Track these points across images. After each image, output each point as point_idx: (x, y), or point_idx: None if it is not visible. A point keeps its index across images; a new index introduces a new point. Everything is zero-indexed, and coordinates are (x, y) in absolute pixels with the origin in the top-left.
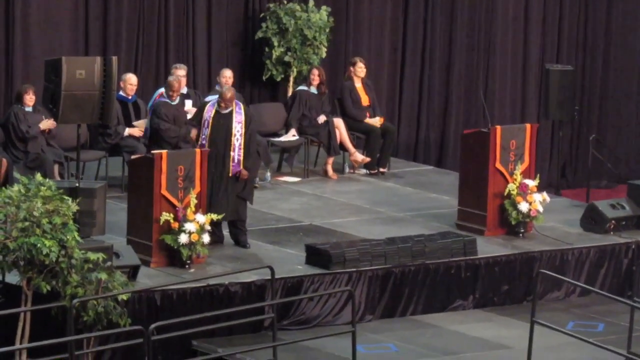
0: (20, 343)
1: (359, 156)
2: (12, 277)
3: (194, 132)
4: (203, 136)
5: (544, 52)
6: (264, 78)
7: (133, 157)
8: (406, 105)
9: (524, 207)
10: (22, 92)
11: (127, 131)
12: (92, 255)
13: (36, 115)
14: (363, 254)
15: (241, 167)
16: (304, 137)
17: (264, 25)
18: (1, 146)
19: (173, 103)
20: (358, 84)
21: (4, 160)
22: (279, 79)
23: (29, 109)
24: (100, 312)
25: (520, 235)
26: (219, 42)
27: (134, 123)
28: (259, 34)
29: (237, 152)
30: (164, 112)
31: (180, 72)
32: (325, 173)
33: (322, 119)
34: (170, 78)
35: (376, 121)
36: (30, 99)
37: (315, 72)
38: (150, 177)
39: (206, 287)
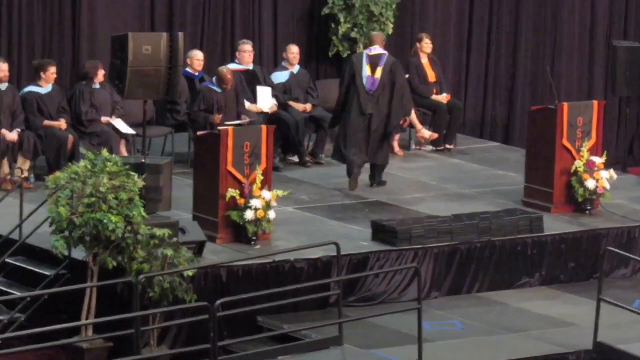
0: (87, 319)
1: (426, 132)
2: (79, 253)
3: (217, 118)
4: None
5: (611, 29)
6: (330, 54)
7: (199, 133)
8: (473, 82)
9: (591, 184)
10: (90, 70)
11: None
12: (158, 231)
13: (103, 93)
14: (429, 231)
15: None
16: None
17: (330, 1)
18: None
19: (216, 89)
20: (425, 60)
21: (71, 137)
22: (345, 55)
23: (96, 86)
24: (166, 288)
25: (587, 212)
26: (285, 18)
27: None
28: (326, 10)
29: None
30: (200, 98)
31: (246, 47)
32: (392, 149)
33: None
34: (222, 69)
35: (443, 98)
36: (100, 76)
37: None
38: (217, 153)
39: (272, 264)
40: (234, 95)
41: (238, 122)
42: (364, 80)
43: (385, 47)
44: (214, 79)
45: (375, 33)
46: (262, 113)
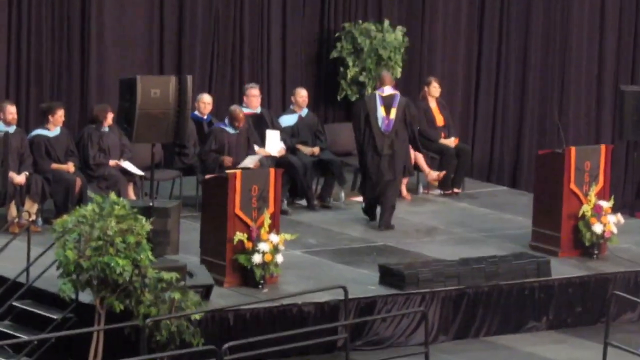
0: None
1: (434, 173)
2: (86, 296)
3: (227, 160)
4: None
5: (618, 73)
6: (338, 98)
7: (207, 176)
8: (480, 126)
9: (598, 228)
10: (98, 113)
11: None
12: (166, 275)
13: (112, 136)
14: (436, 275)
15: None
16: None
17: (338, 44)
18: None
19: (229, 131)
20: (433, 104)
21: (78, 179)
22: (353, 99)
23: (105, 129)
24: (174, 331)
25: (595, 256)
26: (294, 61)
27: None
28: (334, 54)
29: None
30: (212, 138)
31: (253, 92)
32: (400, 193)
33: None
34: (234, 107)
35: (451, 141)
36: (109, 119)
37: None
38: (224, 196)
39: (279, 307)
40: (245, 136)
41: (248, 164)
42: (379, 121)
43: (395, 88)
44: (226, 120)
45: (384, 73)
46: (270, 156)
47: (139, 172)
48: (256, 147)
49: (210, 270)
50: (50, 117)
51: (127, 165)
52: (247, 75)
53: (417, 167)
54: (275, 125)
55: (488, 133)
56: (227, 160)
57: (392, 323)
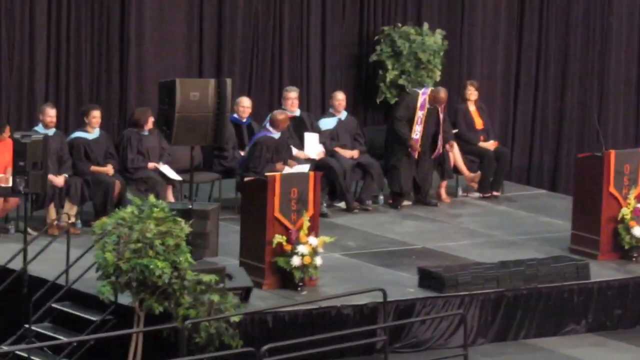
0: None
1: (472, 178)
2: (125, 298)
3: (280, 167)
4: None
5: None
6: (377, 101)
7: (246, 179)
8: (520, 129)
9: (637, 231)
10: (139, 117)
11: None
12: (205, 277)
13: (152, 139)
14: (475, 278)
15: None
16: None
17: (378, 48)
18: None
19: (274, 136)
20: (472, 107)
21: (118, 182)
22: (392, 102)
23: (145, 132)
24: (213, 333)
25: (634, 259)
26: (333, 65)
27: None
28: (373, 57)
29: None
30: (257, 150)
31: (292, 95)
32: (439, 196)
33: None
34: (275, 113)
35: (490, 144)
36: (150, 123)
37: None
38: (264, 199)
39: (318, 310)
40: (286, 139)
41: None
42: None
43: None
44: (267, 124)
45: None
46: (310, 159)
47: (177, 177)
48: (295, 150)
49: (249, 272)
50: (86, 119)
51: (165, 169)
52: (287, 78)
53: (456, 170)
54: (315, 128)
55: (527, 136)
56: (280, 167)
57: (431, 326)
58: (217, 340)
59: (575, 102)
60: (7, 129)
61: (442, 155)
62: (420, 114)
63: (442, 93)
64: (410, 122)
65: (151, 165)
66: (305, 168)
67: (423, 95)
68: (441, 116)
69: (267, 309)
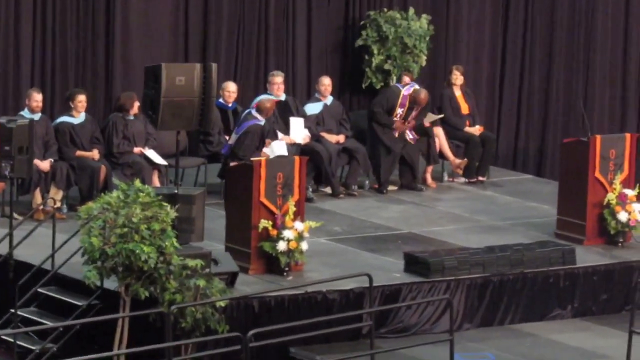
0: (118, 349)
1: (457, 164)
2: (111, 283)
3: (267, 142)
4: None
5: None
6: (363, 86)
7: (231, 164)
8: (505, 114)
9: (623, 216)
10: (125, 101)
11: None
12: (191, 262)
13: (137, 124)
14: (461, 263)
15: None
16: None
17: (363, 33)
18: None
19: (261, 123)
20: (457, 92)
21: (103, 167)
22: (378, 87)
23: (131, 117)
24: (199, 318)
25: (619, 244)
26: (319, 50)
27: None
28: (359, 42)
29: None
30: (248, 139)
31: (277, 80)
32: (424, 181)
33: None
34: (262, 100)
35: (476, 130)
36: (135, 107)
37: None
38: (249, 184)
39: (304, 295)
40: (270, 125)
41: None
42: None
43: (418, 79)
44: (253, 111)
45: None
46: (295, 144)
47: (163, 162)
48: (280, 135)
49: (235, 257)
50: (71, 104)
51: (151, 154)
52: (272, 63)
53: (442, 155)
54: (300, 113)
55: (513, 121)
56: (268, 142)
57: (417, 311)
58: (203, 325)
59: (561, 87)
60: None
61: (427, 140)
62: (399, 111)
63: (423, 95)
64: (389, 113)
65: (137, 150)
66: (282, 145)
67: (405, 93)
68: (413, 114)
69: (253, 294)
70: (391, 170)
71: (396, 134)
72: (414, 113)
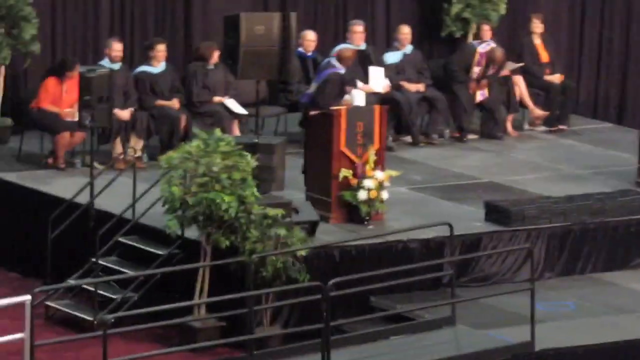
0: (199, 298)
1: (538, 112)
2: (191, 232)
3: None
4: None
5: None
6: (442, 34)
7: (311, 113)
8: (586, 62)
9: None
10: (204, 51)
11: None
12: (271, 211)
13: (217, 73)
14: (542, 212)
15: None
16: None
17: None
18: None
19: (341, 72)
20: (537, 41)
21: (183, 116)
22: (458, 35)
23: (211, 67)
24: (279, 267)
25: None
26: None
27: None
28: None
29: None
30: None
31: (357, 28)
32: (505, 130)
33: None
34: (342, 49)
35: (556, 78)
36: (215, 57)
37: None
38: (330, 133)
39: (385, 244)
40: (350, 75)
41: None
42: None
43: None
44: (334, 60)
45: None
46: (375, 93)
47: (243, 111)
48: (360, 84)
49: (316, 206)
50: (151, 53)
51: (231, 103)
52: (352, 12)
53: (522, 104)
54: (380, 62)
55: (594, 69)
56: (347, 102)
57: (498, 260)
58: (283, 274)
59: None
60: (77, 66)
61: (507, 89)
62: (476, 70)
63: (499, 53)
64: (466, 71)
65: (217, 99)
66: (361, 95)
67: (481, 51)
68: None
69: (333, 243)
70: (471, 119)
71: (470, 92)
72: (491, 71)
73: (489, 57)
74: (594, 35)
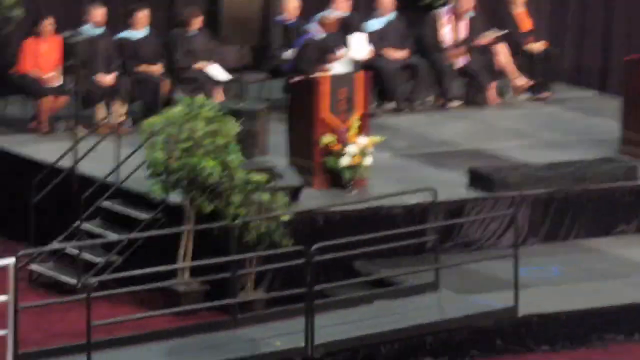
0: (183, 262)
1: (521, 80)
2: (175, 197)
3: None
4: None
5: None
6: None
7: (292, 80)
8: (570, 30)
9: None
10: (187, 16)
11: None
12: (254, 176)
13: (200, 39)
14: (525, 178)
15: None
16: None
17: None
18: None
19: (321, 36)
20: (520, 9)
21: (166, 82)
22: (437, 5)
23: (193, 32)
24: (263, 232)
25: None
26: None
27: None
28: None
29: None
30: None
31: None
32: (488, 97)
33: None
34: (325, 15)
35: (539, 45)
36: (197, 22)
37: None
38: (313, 99)
39: (368, 209)
40: (331, 40)
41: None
42: None
43: None
44: (314, 25)
45: None
46: (357, 60)
47: (225, 77)
48: (343, 50)
49: (299, 172)
50: (133, 18)
51: (214, 68)
52: None
53: (505, 72)
54: (363, 29)
55: (577, 37)
56: (328, 67)
57: (481, 226)
58: (267, 239)
59: (624, 2)
60: (47, 23)
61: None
62: (447, 31)
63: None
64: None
65: (199, 65)
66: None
67: (445, 11)
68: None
69: (317, 209)
70: (451, 86)
71: (450, 60)
72: (464, 22)
73: (454, 9)
74: (578, 2)
